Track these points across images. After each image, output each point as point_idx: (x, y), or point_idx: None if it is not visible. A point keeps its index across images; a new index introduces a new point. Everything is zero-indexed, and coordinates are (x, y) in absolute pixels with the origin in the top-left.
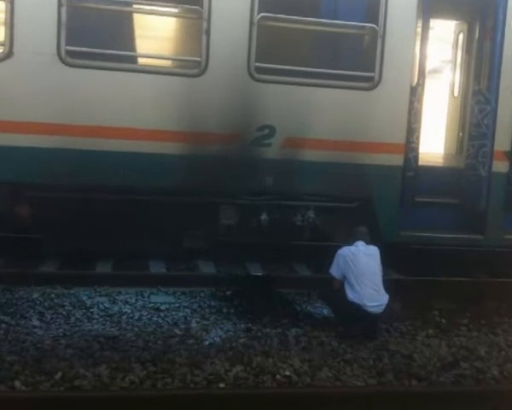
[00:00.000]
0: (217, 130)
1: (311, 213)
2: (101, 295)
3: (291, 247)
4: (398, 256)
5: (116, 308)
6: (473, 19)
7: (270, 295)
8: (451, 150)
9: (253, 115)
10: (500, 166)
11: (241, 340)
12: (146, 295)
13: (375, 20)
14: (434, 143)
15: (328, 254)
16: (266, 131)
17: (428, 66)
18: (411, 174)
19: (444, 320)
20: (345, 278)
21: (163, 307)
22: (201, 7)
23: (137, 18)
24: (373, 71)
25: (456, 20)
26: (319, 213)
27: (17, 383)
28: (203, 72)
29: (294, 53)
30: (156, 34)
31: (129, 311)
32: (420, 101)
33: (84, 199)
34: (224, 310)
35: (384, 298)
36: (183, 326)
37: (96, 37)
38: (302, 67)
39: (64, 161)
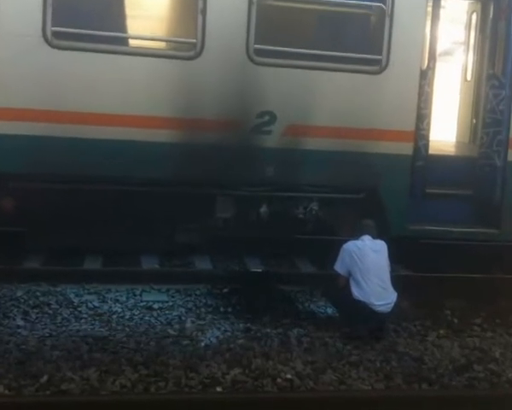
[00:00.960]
0: (213, 116)
1: (313, 206)
2: (89, 293)
3: (292, 241)
4: (406, 251)
5: (106, 307)
6: None
7: (270, 293)
8: (464, 138)
9: (252, 101)
10: None
11: (240, 341)
12: (138, 293)
13: None
14: (446, 130)
15: (333, 249)
16: (266, 117)
17: (439, 48)
18: (421, 164)
19: (456, 320)
20: (350, 274)
21: (156, 306)
22: None
23: None
24: (380, 53)
25: None
26: (323, 206)
27: (0, 388)
28: (198, 54)
29: (296, 34)
30: (149, 14)
31: (119, 310)
32: (430, 85)
33: (72, 190)
34: (221, 309)
35: (392, 296)
36: (177, 326)
37: (83, 17)
38: (304, 49)
39: (50, 150)
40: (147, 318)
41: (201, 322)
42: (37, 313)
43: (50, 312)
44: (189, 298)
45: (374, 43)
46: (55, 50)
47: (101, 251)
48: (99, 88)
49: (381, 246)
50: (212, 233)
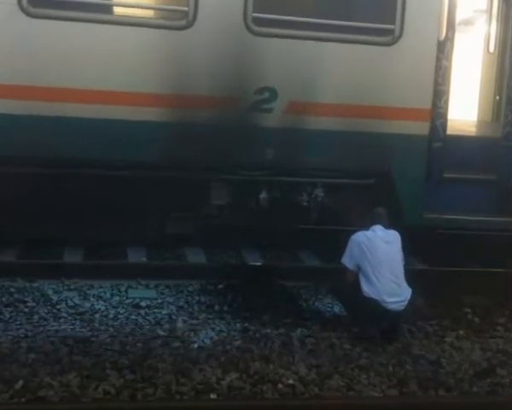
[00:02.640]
0: (207, 93)
1: (319, 192)
2: (69, 290)
3: (295, 232)
4: (422, 243)
5: (87, 305)
6: None
7: (270, 290)
8: (486, 117)
9: (250, 76)
10: None
11: (237, 342)
12: (123, 289)
13: None
14: (466, 108)
15: (340, 241)
16: (266, 94)
17: (459, 16)
18: (439, 145)
19: (477, 319)
20: (360, 268)
21: (143, 304)
22: None
23: None
24: (393, 23)
25: None
26: (329, 192)
27: None
28: (191, 24)
29: (299, 1)
30: None
31: (103, 308)
32: (449, 58)
33: (50, 175)
34: (216, 307)
35: (406, 293)
36: (167, 326)
37: None
38: (309, 17)
39: (25, 130)
40: (133, 317)
41: (194, 321)
42: (12, 312)
43: (26, 310)
44: (180, 295)
45: (386, 12)
46: (32, 19)
47: (83, 243)
48: (80, 61)
49: (393, 237)
50: (206, 223)
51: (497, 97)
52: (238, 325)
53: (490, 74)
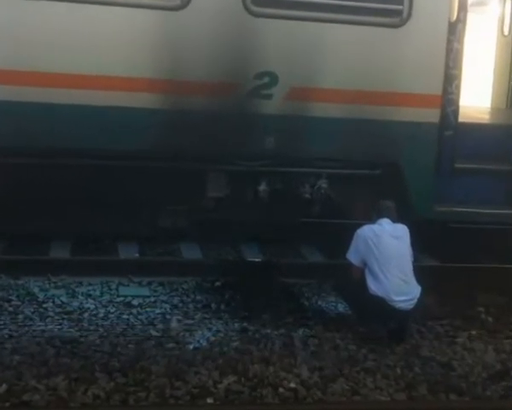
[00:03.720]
0: (203, 78)
1: (322, 183)
2: (56, 287)
3: (297, 226)
4: (432, 237)
5: (76, 304)
6: None
7: (270, 287)
8: (500, 103)
9: (249, 59)
10: None
11: (235, 343)
12: (113, 286)
13: None
14: (479, 94)
15: (345, 235)
16: (266, 79)
17: None
18: (450, 134)
19: (490, 319)
20: (366, 265)
21: (135, 302)
22: None
23: None
24: (401, 3)
25: None
26: (333, 183)
27: None
28: (186, 3)
29: None
30: None
31: (92, 307)
32: (460, 40)
33: (36, 165)
34: (213, 306)
35: (415, 291)
36: (160, 326)
37: None
38: None
39: (4, 117)
40: (125, 316)
41: (189, 321)
42: None
43: (10, 309)
44: (174, 293)
45: None
46: None
47: (71, 237)
48: (66, 44)
49: (402, 231)
50: (202, 216)
51: None
52: (236, 324)
53: (504, 58)
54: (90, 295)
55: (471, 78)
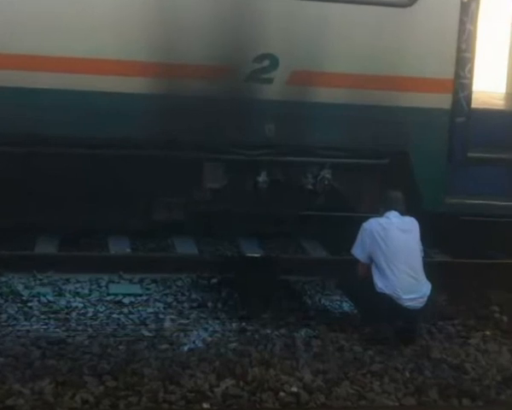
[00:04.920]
0: (199, 61)
1: (326, 173)
2: (42, 285)
3: (299, 219)
4: (443, 231)
5: (63, 302)
6: None
7: (271, 285)
8: None
9: (247, 41)
10: None
11: (233, 345)
12: (103, 284)
13: None
14: (493, 78)
15: (350, 229)
16: (266, 62)
17: None
18: (462, 120)
19: (505, 318)
20: (372, 260)
21: (126, 301)
22: None
23: None
24: None
25: None
26: (338, 173)
27: None
28: None
29: None
30: None
31: (80, 305)
32: (474, 21)
33: (21, 154)
34: (209, 304)
35: (425, 288)
36: (153, 326)
37: None
38: None
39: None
40: (115, 315)
41: (184, 321)
42: None
43: None
44: (168, 290)
45: None
46: None
47: (58, 231)
48: (51, 24)
49: (411, 225)
50: (198, 208)
51: None
52: (234, 324)
53: None
54: (78, 293)
55: (485, 61)
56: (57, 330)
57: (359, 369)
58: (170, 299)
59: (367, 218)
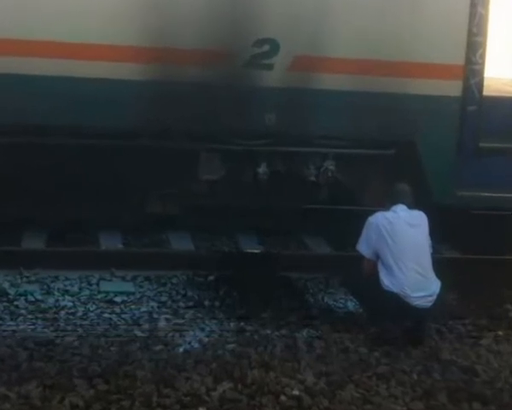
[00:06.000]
0: (195, 45)
1: (329, 164)
2: (29, 282)
3: (301, 213)
4: (453, 226)
5: (51, 301)
6: None
7: (271, 282)
8: None
9: (246, 25)
10: None
11: (231, 346)
12: (94, 281)
13: None
14: (507, 63)
15: (355, 224)
16: (266, 47)
17: None
18: (473, 109)
19: None
20: (378, 257)
21: (118, 299)
22: None
23: None
24: None
25: None
26: (342, 164)
27: None
28: None
29: None
30: None
31: (69, 304)
32: (485, 4)
33: (5, 145)
34: (206, 303)
35: (434, 286)
36: (146, 326)
37: None
38: None
39: None
40: (106, 315)
41: (179, 320)
42: None
43: None
44: (162, 288)
45: None
46: None
47: (46, 226)
48: (39, 6)
49: (419, 219)
50: (194, 202)
51: None
52: (232, 324)
53: None
54: (67, 292)
55: (497, 46)
56: (45, 330)
57: (364, 371)
58: (164, 297)
59: (373, 212)
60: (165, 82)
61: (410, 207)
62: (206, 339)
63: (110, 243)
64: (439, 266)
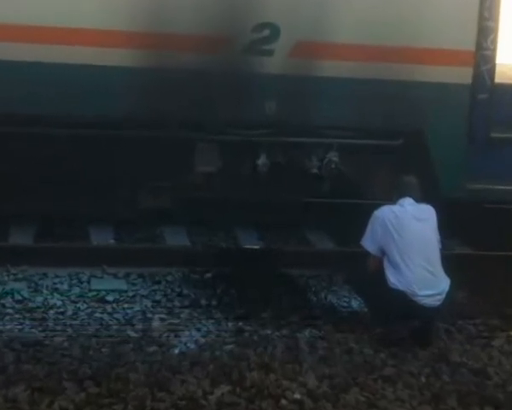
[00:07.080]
0: (192, 30)
1: (333, 156)
2: (16, 280)
3: (303, 207)
4: (463, 220)
5: (39, 299)
6: None
7: (271, 280)
8: None
9: (246, 9)
10: None
11: (229, 347)
12: (84, 279)
13: None
14: None
15: (360, 218)
16: (266, 32)
17: None
18: (484, 97)
19: None
20: (384, 253)
21: (110, 298)
22: None
23: None
24: None
25: None
26: (346, 156)
27: None
28: None
29: None
30: None
31: (59, 303)
32: None
33: None
34: (203, 302)
35: (443, 284)
36: (140, 326)
37: None
38: None
39: None
40: (97, 314)
41: (174, 320)
42: None
43: None
44: (156, 286)
45: None
46: None
47: (34, 220)
48: None
49: (427, 213)
50: (190, 195)
51: None
52: (230, 324)
53: None
54: (56, 290)
55: (510, 31)
56: (33, 330)
57: (370, 374)
58: (159, 296)
59: (378, 205)
60: (159, 69)
61: (418, 200)
62: (202, 340)
63: (101, 238)
64: (449, 262)
